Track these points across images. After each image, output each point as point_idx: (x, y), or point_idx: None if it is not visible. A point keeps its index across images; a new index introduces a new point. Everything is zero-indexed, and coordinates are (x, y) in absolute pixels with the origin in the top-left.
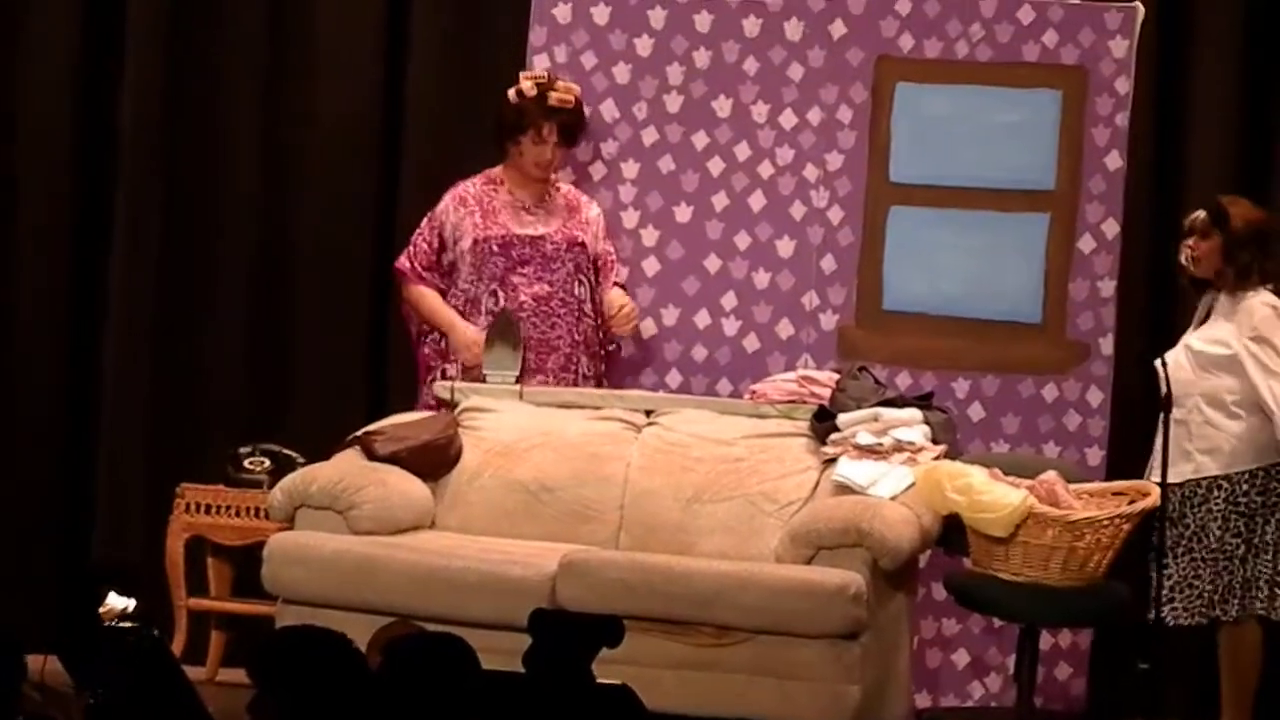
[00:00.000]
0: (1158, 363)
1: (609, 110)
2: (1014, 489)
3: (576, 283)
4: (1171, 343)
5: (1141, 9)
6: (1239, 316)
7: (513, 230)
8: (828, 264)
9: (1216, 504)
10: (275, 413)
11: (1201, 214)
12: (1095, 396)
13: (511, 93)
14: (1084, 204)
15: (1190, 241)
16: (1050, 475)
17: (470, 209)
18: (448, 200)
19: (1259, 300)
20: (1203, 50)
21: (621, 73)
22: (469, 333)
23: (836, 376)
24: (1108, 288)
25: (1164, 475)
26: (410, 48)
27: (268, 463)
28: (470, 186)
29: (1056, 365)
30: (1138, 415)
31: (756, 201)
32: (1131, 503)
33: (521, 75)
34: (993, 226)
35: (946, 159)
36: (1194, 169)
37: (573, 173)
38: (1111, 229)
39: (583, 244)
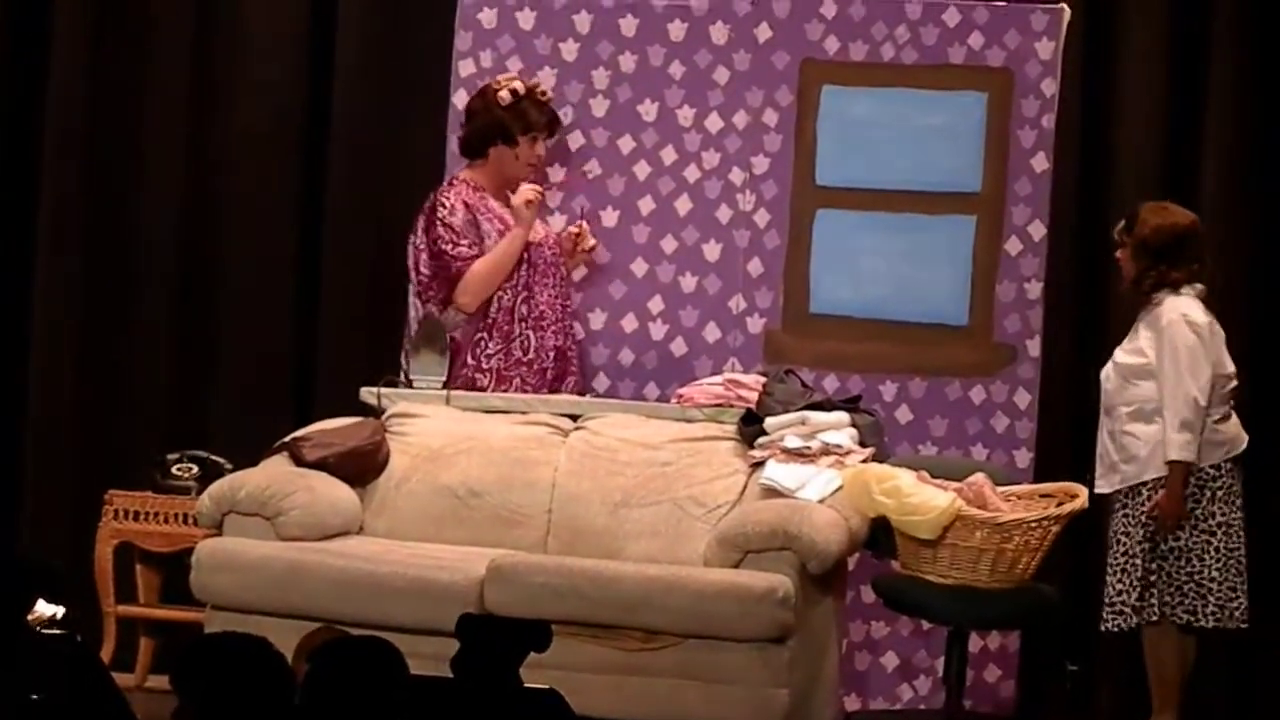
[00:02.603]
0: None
1: None
2: (942, 491)
3: (565, 287)
4: (1098, 345)
5: (1068, 11)
6: (1154, 324)
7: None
8: (754, 267)
9: (1133, 510)
10: (203, 419)
11: (1121, 223)
12: (1023, 399)
13: (504, 94)
14: (1010, 206)
15: (1117, 253)
16: (978, 477)
17: (486, 215)
18: (459, 210)
19: (1170, 307)
20: (1130, 51)
21: (547, 77)
22: (515, 210)
23: (763, 380)
24: (1035, 290)
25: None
26: (335, 52)
27: (195, 469)
28: (465, 194)
29: (984, 367)
30: (1065, 417)
31: (683, 205)
32: (1060, 505)
33: (500, 79)
34: (919, 229)
35: (872, 162)
36: (1121, 170)
37: None
38: (1038, 231)
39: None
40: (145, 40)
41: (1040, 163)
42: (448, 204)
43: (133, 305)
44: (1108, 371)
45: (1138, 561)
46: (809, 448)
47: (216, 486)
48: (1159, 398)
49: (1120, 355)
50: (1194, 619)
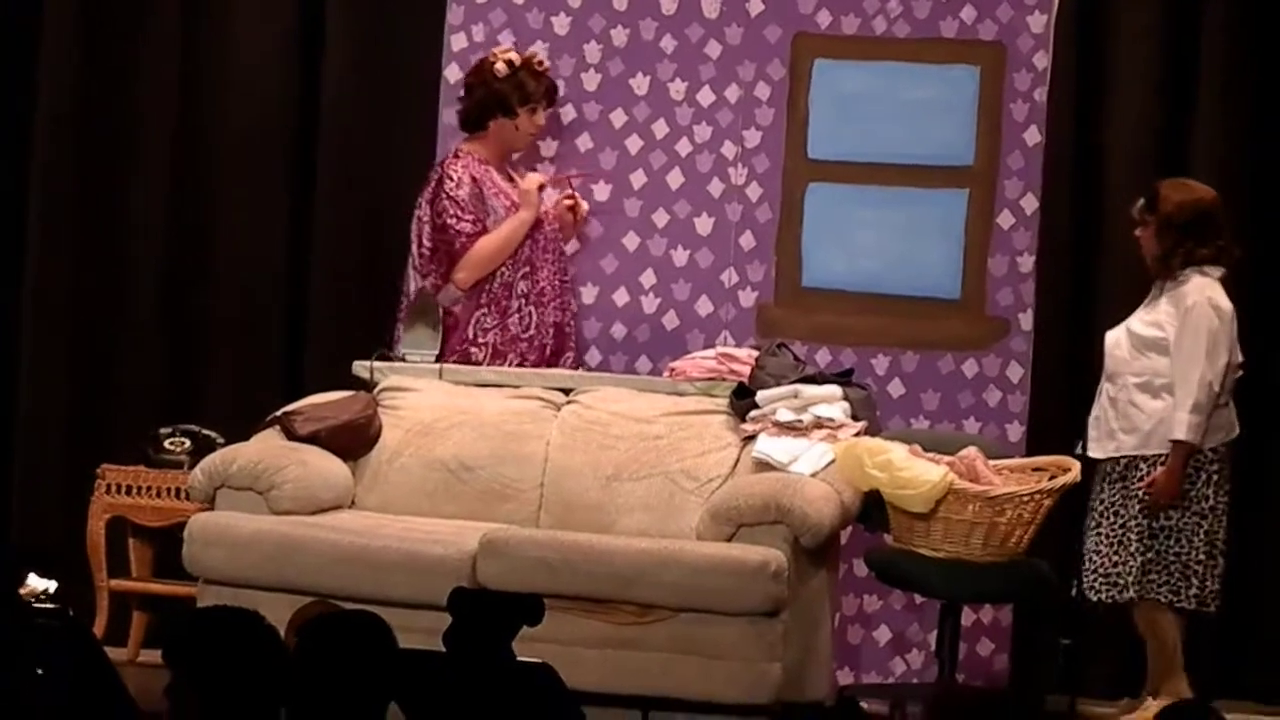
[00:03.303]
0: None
1: None
2: (934, 465)
3: (563, 262)
4: (1090, 318)
5: None
6: (1177, 301)
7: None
8: (746, 241)
9: (1132, 483)
10: (195, 393)
11: (1141, 201)
12: (1015, 372)
13: (500, 66)
14: (1003, 180)
15: (1136, 231)
16: (970, 451)
17: (493, 190)
18: (466, 184)
19: (1196, 287)
20: (1123, 25)
21: (539, 51)
22: (524, 194)
23: (756, 353)
24: (1027, 263)
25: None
26: (325, 28)
27: (188, 443)
28: (472, 167)
29: (976, 341)
30: (1058, 391)
31: (675, 179)
32: (1052, 478)
33: (495, 51)
34: (911, 203)
35: (865, 135)
36: (1114, 144)
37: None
38: (1030, 204)
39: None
40: (135, 25)
41: (1033, 136)
42: (454, 177)
43: (126, 280)
44: (1118, 338)
45: (1133, 536)
46: (801, 421)
47: (209, 461)
48: (1171, 374)
49: (1136, 324)
50: (1176, 599)
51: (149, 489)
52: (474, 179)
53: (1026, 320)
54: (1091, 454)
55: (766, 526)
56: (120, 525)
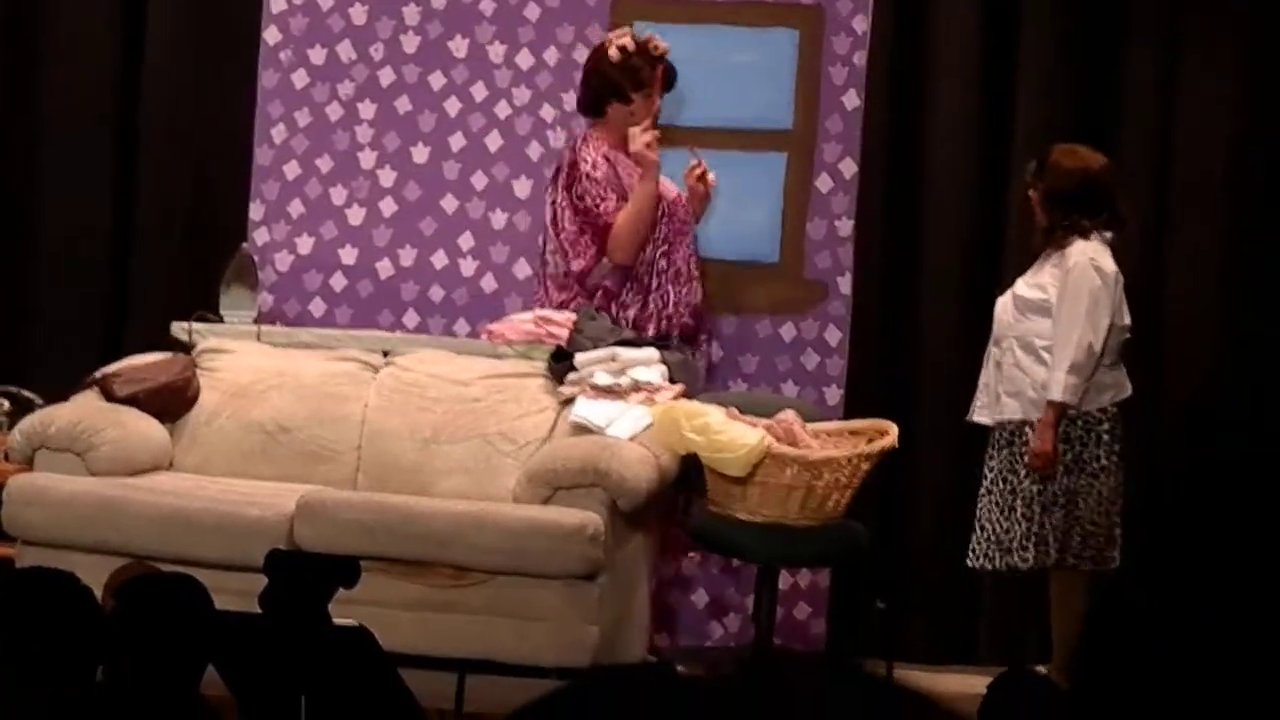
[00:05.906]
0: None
1: (345, 51)
2: (751, 429)
3: (696, 244)
4: (908, 282)
5: None
6: (1061, 263)
7: (664, 193)
8: None
9: (1018, 449)
10: (13, 354)
11: (1033, 163)
12: (833, 335)
13: (613, 52)
14: (821, 143)
15: (1029, 192)
16: (788, 414)
17: (626, 169)
18: (601, 164)
19: (1079, 249)
20: None
21: (358, 13)
22: (637, 156)
23: (574, 317)
24: (845, 227)
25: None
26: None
27: (6, 404)
28: (603, 149)
29: (794, 305)
30: (876, 355)
31: (493, 142)
32: (870, 442)
33: (611, 36)
34: (730, 166)
35: (683, 99)
36: (933, 107)
37: (309, 114)
38: (849, 168)
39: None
40: None
41: (851, 100)
42: (589, 159)
43: None
44: (1005, 302)
45: (1019, 502)
46: (619, 384)
47: (27, 422)
48: (1052, 336)
49: (1020, 288)
50: (1079, 562)
51: None
52: (607, 159)
53: (845, 284)
54: (979, 420)
55: (583, 489)
56: None
